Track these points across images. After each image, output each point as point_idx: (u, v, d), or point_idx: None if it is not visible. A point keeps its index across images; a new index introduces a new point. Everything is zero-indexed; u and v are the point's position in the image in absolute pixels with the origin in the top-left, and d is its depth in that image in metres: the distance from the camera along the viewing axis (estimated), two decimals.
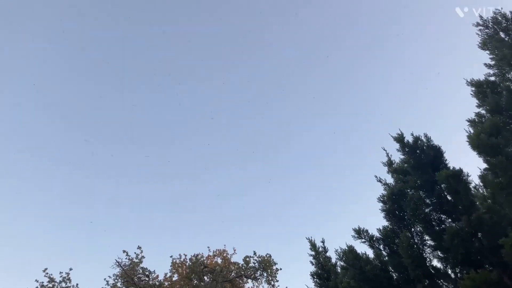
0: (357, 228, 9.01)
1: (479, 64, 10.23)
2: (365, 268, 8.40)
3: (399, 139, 8.92)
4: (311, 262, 10.48)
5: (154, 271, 29.31)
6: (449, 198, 8.18)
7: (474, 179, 9.04)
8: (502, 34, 9.18)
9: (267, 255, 29.87)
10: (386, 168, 9.25)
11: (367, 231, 9.06)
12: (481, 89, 9.01)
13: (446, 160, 8.64)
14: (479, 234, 7.50)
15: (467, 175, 8.13)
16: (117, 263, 27.59)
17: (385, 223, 8.90)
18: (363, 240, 9.04)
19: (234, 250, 31.77)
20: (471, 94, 9.29)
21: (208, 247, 33.31)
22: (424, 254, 8.27)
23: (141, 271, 29.29)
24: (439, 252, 8.17)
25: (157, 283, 29.55)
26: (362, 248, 8.85)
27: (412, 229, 8.45)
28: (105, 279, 29.33)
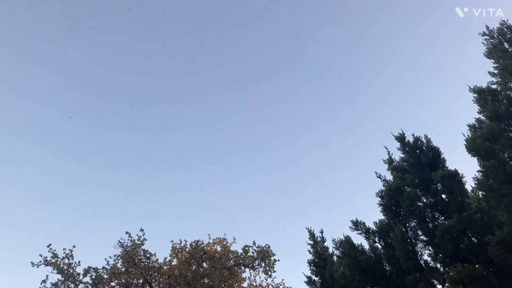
0: (355, 220, 9.49)
1: (484, 72, 10.61)
2: (360, 258, 8.90)
3: (400, 138, 9.36)
4: (309, 251, 10.99)
5: (155, 254, 29.93)
6: (443, 197, 8.63)
7: (470, 182, 9.44)
8: (506, 45, 9.55)
9: (266, 246, 30.37)
10: (386, 166, 9.70)
11: (364, 223, 9.56)
12: (482, 95, 9.41)
13: (443, 161, 9.07)
14: (468, 232, 7.95)
15: (462, 176, 8.58)
16: (120, 244, 28.29)
17: (382, 217, 9.38)
18: (360, 231, 9.54)
19: (234, 239, 32.20)
20: (473, 100, 9.69)
21: (209, 235, 33.68)
22: (416, 248, 8.75)
23: (142, 253, 29.97)
24: (430, 247, 8.65)
25: (157, 266, 30.28)
26: (359, 239, 9.30)
27: (407, 224, 8.92)
28: (105, 259, 29.96)
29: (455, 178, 8.40)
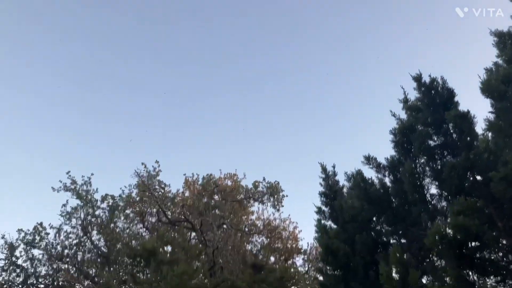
0: (367, 155, 10.04)
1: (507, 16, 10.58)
2: (370, 190, 9.54)
3: (417, 78, 9.66)
4: (320, 184, 11.65)
5: (169, 185, 31.13)
6: (454, 136, 9.07)
7: (482, 123, 9.80)
8: None
9: (276, 182, 31.59)
10: (401, 105, 10.06)
11: (375, 158, 10.11)
12: (502, 39, 9.55)
13: (457, 102, 9.42)
14: (474, 170, 8.46)
15: (474, 117, 8.96)
16: (136, 174, 29.48)
17: (393, 153, 9.90)
18: (371, 166, 10.11)
19: (244, 175, 33.40)
20: (492, 44, 9.83)
21: (220, 170, 34.95)
22: (424, 183, 9.33)
23: (157, 183, 31.28)
24: (436, 183, 9.23)
25: (171, 196, 31.66)
26: (370, 173, 9.91)
27: (416, 161, 9.43)
28: (121, 188, 31.20)
29: (466, 118, 8.79)
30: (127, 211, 30.28)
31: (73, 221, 27.97)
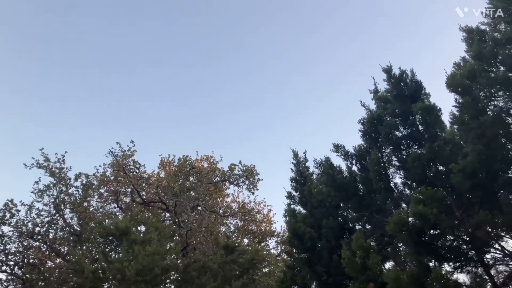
0: (336, 143, 10.29)
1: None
2: (337, 177, 9.80)
3: (387, 70, 9.89)
4: (292, 169, 11.89)
5: (144, 165, 30.97)
6: (420, 128, 9.37)
7: (447, 117, 10.11)
8: None
9: (251, 166, 31.83)
10: (371, 96, 10.30)
11: (344, 147, 10.37)
12: (470, 35, 9.81)
13: (425, 95, 9.70)
14: (437, 161, 8.79)
15: (439, 110, 9.27)
16: (111, 153, 29.23)
17: (361, 142, 10.17)
18: (339, 154, 10.37)
19: (221, 157, 33.51)
20: (461, 39, 10.10)
21: (197, 152, 34.92)
22: (389, 172, 9.65)
23: (132, 163, 31.09)
24: (401, 172, 9.56)
25: (146, 176, 31.50)
26: (338, 161, 10.11)
27: (383, 150, 9.73)
28: (95, 167, 30.95)
29: (432, 111, 9.08)
30: (101, 190, 30.13)
31: (46, 198, 27.64)
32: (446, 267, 8.90)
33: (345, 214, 10.58)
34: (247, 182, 30.33)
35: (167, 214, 29.74)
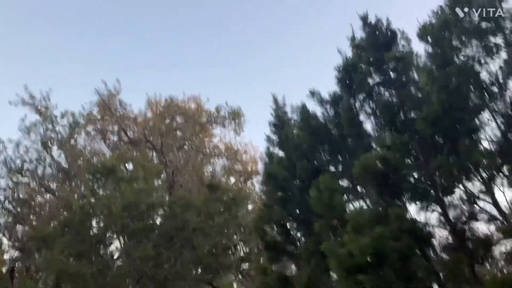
0: (312, 90, 10.65)
1: None
2: (311, 122, 10.26)
3: (364, 18, 10.05)
4: (271, 114, 12.28)
5: (130, 105, 31.10)
6: (392, 76, 9.72)
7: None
8: None
9: (238, 107, 32.14)
10: (349, 43, 10.53)
11: (320, 93, 10.74)
12: None
13: (399, 44, 9.95)
14: (405, 107, 9.24)
15: (411, 60, 9.57)
16: (96, 91, 29.23)
17: (336, 89, 10.53)
18: (315, 100, 10.77)
19: (208, 98, 33.70)
20: None
21: (184, 92, 34.99)
22: (361, 118, 10.11)
23: (118, 102, 31.13)
24: (372, 118, 10.03)
25: (132, 116, 31.70)
26: (314, 107, 10.55)
27: (356, 97, 10.12)
28: (81, 104, 30.96)
29: (404, 60, 9.39)
30: (88, 129, 30.40)
31: (32, 136, 27.93)
32: (413, 207, 9.59)
33: (319, 157, 11.12)
34: (233, 123, 30.79)
35: (155, 154, 30.30)
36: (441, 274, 8.38)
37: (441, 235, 9.85)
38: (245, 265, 22.55)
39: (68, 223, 18.21)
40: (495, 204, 9.03)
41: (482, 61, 10.10)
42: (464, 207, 9.80)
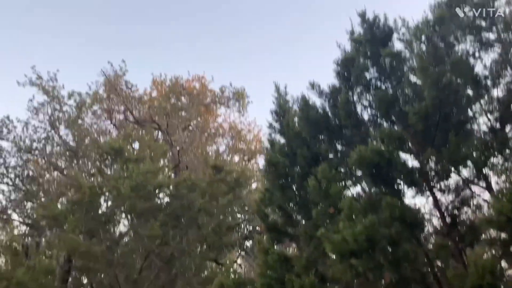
0: (312, 82, 11.14)
1: None
2: (311, 112, 10.78)
3: (362, 15, 10.45)
4: (273, 102, 12.76)
5: (136, 85, 31.64)
6: (388, 71, 10.18)
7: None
8: None
9: (242, 88, 32.63)
10: (348, 37, 10.95)
11: (319, 85, 11.22)
12: None
13: (394, 39, 10.40)
14: (400, 101, 9.74)
15: (405, 55, 10.02)
16: (102, 72, 29.71)
17: (335, 82, 11.02)
18: (315, 92, 11.26)
19: (212, 78, 34.16)
20: None
21: (188, 71, 35.41)
22: (358, 109, 10.62)
23: (123, 83, 31.67)
24: (368, 110, 10.54)
25: (138, 96, 32.19)
26: (314, 98, 11.03)
27: (354, 90, 10.61)
28: (87, 83, 31.45)
29: (399, 56, 9.84)
30: (95, 107, 30.96)
31: (40, 116, 28.57)
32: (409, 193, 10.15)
33: (318, 145, 11.67)
34: (237, 104, 31.27)
35: (160, 133, 30.92)
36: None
37: (435, 222, 10.48)
38: (249, 243, 23.43)
39: (77, 202, 18.97)
40: (489, 189, 9.58)
41: (477, 55, 10.57)
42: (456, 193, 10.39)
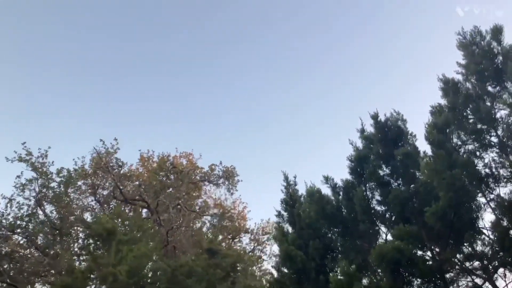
0: (326, 176, 11.67)
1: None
2: (326, 206, 11.16)
3: (375, 117, 11.28)
4: (282, 191, 13.17)
5: (126, 163, 31.57)
6: (400, 170, 10.80)
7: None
8: (474, 47, 11.21)
9: (231, 167, 32.96)
10: (358, 134, 11.67)
11: (333, 179, 11.75)
12: (446, 86, 11.27)
13: (406, 138, 11.16)
14: (414, 199, 10.25)
15: (418, 154, 10.72)
16: (95, 150, 29.69)
17: (348, 177, 11.55)
18: (328, 185, 11.74)
19: (200, 155, 34.47)
20: (438, 88, 11.55)
21: (176, 148, 35.70)
22: (372, 205, 11.06)
23: (114, 161, 31.64)
24: (382, 206, 11.01)
25: (128, 174, 32.02)
26: (327, 191, 11.56)
27: (367, 185, 11.12)
28: (73, 159, 31.20)
29: (412, 156, 10.52)
30: (79, 183, 30.48)
31: (27, 192, 27.88)
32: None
33: (329, 236, 11.94)
34: (226, 183, 31.42)
35: (145, 210, 30.45)
36: None
37: None
38: None
39: (65, 286, 18.14)
40: None
41: (478, 154, 11.34)
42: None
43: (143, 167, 34.14)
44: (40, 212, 28.04)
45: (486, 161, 11.06)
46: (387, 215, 10.86)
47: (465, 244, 9.67)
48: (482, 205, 10.82)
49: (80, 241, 28.46)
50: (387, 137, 11.01)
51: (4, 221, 27.02)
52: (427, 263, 9.35)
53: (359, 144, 11.53)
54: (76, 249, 26.99)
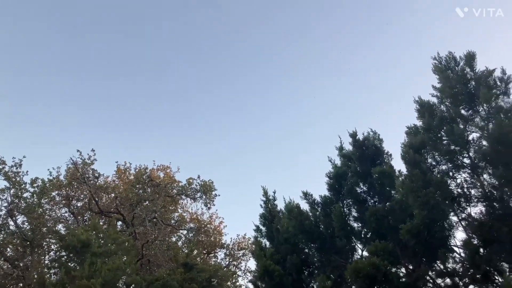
0: (305, 192, 11.89)
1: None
2: (304, 222, 11.36)
3: (353, 135, 11.64)
4: (261, 206, 13.32)
5: (103, 174, 31.21)
6: (377, 187, 11.12)
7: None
8: (448, 72, 11.74)
9: (209, 181, 32.88)
10: (337, 152, 11.97)
11: (311, 195, 11.99)
12: (422, 108, 11.73)
13: (383, 157, 11.50)
14: (389, 217, 10.55)
15: (394, 173, 11.07)
16: (71, 161, 29.28)
17: (327, 193, 11.81)
18: (307, 201, 11.97)
19: (178, 168, 34.29)
20: (414, 109, 12.00)
21: (154, 161, 35.38)
22: (349, 221, 11.32)
23: (91, 172, 31.24)
24: (359, 222, 11.28)
25: (104, 186, 31.66)
26: (305, 206, 11.80)
27: (344, 202, 11.39)
28: (48, 169, 30.72)
29: (388, 174, 10.85)
30: (53, 194, 29.89)
31: None
32: None
33: (306, 251, 12.11)
34: (204, 197, 31.32)
35: (120, 223, 30.02)
36: None
37: None
38: None
39: None
40: None
41: (451, 174, 11.77)
42: None
43: (119, 179, 33.77)
44: (11, 222, 27.37)
45: (458, 181, 11.52)
46: (363, 232, 11.10)
47: (437, 261, 9.94)
48: (454, 224, 11.22)
49: (52, 253, 27.82)
50: (364, 155, 11.35)
51: None
52: (402, 279, 9.56)
53: (338, 161, 11.82)
54: (47, 261, 26.37)
